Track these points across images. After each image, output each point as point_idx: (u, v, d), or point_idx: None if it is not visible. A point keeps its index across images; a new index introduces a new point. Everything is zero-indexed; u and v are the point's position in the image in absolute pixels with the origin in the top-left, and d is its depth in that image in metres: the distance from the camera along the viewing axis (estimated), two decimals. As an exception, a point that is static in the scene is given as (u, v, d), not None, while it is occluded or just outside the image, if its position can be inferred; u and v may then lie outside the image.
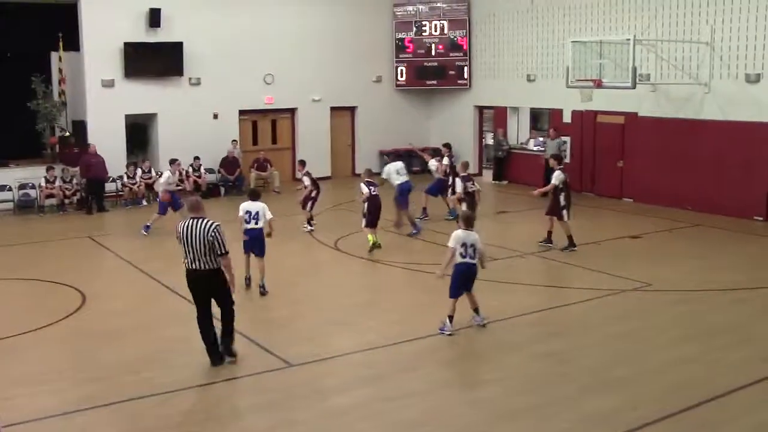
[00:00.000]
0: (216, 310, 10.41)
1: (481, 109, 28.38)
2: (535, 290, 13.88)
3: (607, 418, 8.63)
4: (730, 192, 20.23)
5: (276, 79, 26.31)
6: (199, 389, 9.56)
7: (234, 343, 10.53)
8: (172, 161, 20.01)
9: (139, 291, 14.12)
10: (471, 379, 9.86)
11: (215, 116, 25.24)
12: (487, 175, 27.45)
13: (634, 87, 19.45)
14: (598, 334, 11.60)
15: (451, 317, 11.51)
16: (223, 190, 24.51)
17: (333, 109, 27.89)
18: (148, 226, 18.81)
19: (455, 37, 28.12)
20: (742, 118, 19.98)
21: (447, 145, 21.29)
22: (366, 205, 16.76)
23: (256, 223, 13.70)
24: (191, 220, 10.08)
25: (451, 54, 28.22)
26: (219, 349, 10.33)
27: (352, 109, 28.60)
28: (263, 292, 13.59)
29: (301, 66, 26.66)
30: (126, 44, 23.32)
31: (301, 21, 26.62)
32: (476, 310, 11.83)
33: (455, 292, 11.56)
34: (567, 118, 24.48)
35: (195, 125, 24.52)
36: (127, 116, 23.90)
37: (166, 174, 19.35)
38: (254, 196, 14.18)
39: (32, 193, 22.19)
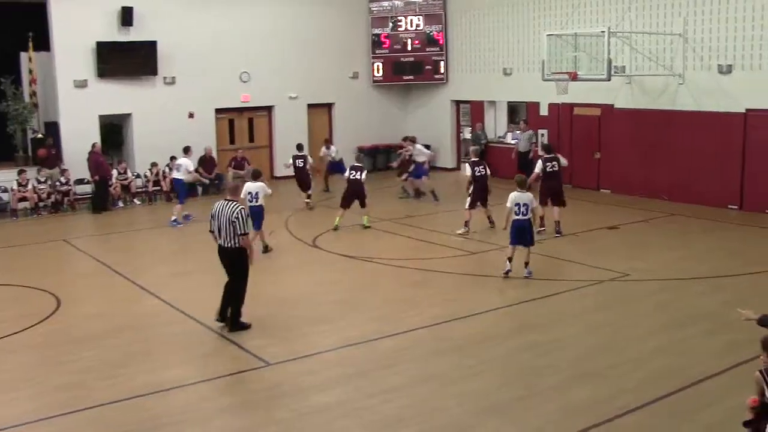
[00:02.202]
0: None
1: (458, 104, 28.39)
2: (514, 283, 13.88)
3: (589, 408, 8.65)
4: (705, 182, 20.38)
5: (252, 77, 26.20)
6: (176, 390, 9.46)
7: (240, 317, 11.50)
8: (187, 149, 20.79)
9: (114, 294, 13.97)
10: (452, 373, 9.84)
11: (191, 115, 25.09)
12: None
13: (609, 79, 19.51)
14: (577, 325, 11.63)
15: (510, 259, 13.96)
16: (200, 189, 24.36)
17: (310, 106, 27.82)
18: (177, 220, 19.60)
19: (431, 32, 28.11)
20: (715, 109, 20.11)
21: (410, 138, 22.73)
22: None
23: (257, 201, 15.81)
24: (224, 202, 11.41)
25: (427, 49, 28.22)
26: (225, 312, 11.54)
27: (329, 106, 28.54)
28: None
29: (277, 63, 26.58)
30: (98, 44, 23.10)
31: (276, 18, 26.53)
32: (526, 264, 13.97)
33: (513, 240, 13.90)
34: (544, 111, 24.55)
35: (171, 125, 24.32)
36: (101, 117, 23.67)
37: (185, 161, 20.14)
38: (256, 176, 16.33)
39: (4, 196, 21.92)
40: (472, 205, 17.85)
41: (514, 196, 13.80)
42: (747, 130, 19.60)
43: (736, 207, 19.89)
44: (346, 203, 18.43)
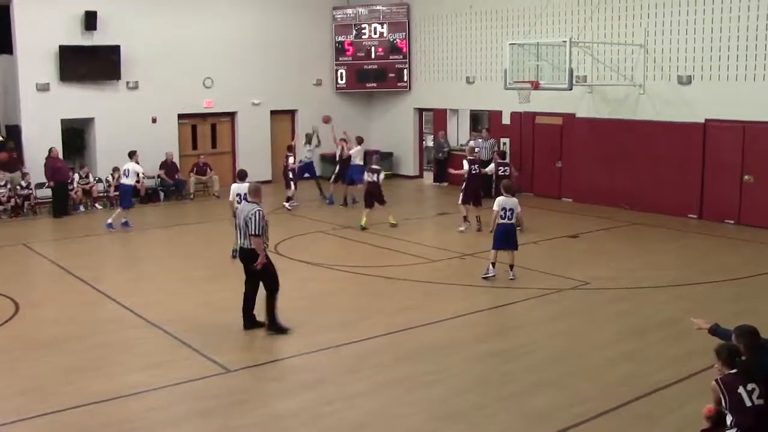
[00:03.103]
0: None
1: (421, 111, 28.49)
2: (475, 290, 13.94)
3: (550, 415, 8.71)
4: (666, 191, 20.61)
5: (215, 83, 26.09)
6: (135, 397, 9.38)
7: (277, 316, 11.54)
8: (132, 154, 20.26)
9: (74, 299, 13.80)
10: (414, 380, 9.84)
11: (154, 120, 24.92)
12: (428, 176, 27.56)
13: (570, 88, 19.68)
14: (538, 333, 11.70)
15: (493, 264, 14.30)
16: (162, 194, 24.19)
17: (273, 112, 27.76)
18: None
19: (395, 39, 28.19)
20: (675, 119, 20.37)
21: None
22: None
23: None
24: (244, 203, 11.84)
25: (390, 57, 28.28)
26: (251, 318, 11.65)
27: (292, 113, 28.48)
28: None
29: (240, 69, 26.50)
30: (61, 47, 22.86)
31: (240, 24, 26.47)
32: (511, 267, 14.38)
33: (497, 245, 14.27)
34: (506, 119, 24.70)
35: (133, 129, 24.12)
36: (64, 121, 23.45)
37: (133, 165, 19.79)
38: (242, 176, 16.23)
39: (-38, 201, 21.58)
40: (465, 201, 18.83)
41: (501, 200, 14.31)
42: (706, 140, 19.87)
43: (695, 216, 20.14)
44: (368, 203, 19.31)
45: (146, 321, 12.23)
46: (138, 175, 20.09)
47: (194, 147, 26.40)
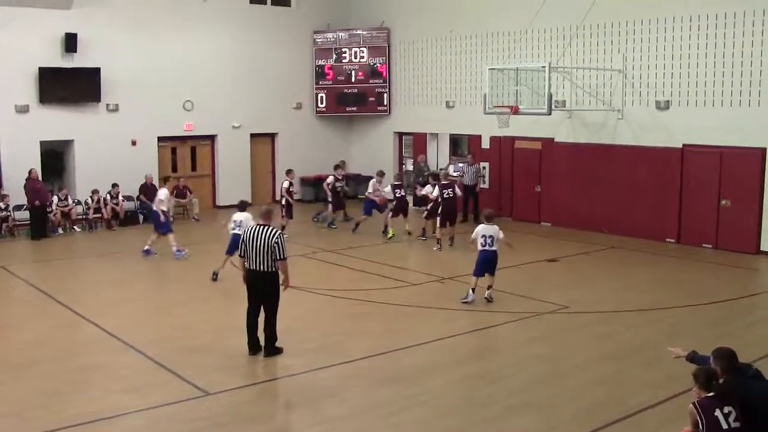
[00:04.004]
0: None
1: (401, 135, 28.59)
2: (455, 314, 13.97)
3: (527, 439, 8.73)
4: (644, 215, 20.78)
5: (196, 106, 26.12)
6: (114, 420, 9.31)
7: (276, 341, 11.57)
8: (167, 179, 20.38)
9: (52, 321, 13.71)
10: (395, 403, 9.83)
11: (133, 143, 24.89)
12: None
13: (550, 113, 19.83)
14: (518, 357, 11.73)
15: (473, 290, 14.45)
16: (142, 217, 24.10)
17: (253, 135, 27.79)
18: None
19: (375, 64, 28.33)
20: (653, 144, 20.56)
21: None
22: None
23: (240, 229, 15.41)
24: (258, 227, 11.43)
25: (371, 81, 28.42)
26: (257, 341, 11.58)
27: (272, 136, 28.53)
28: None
29: (221, 92, 26.55)
30: (41, 69, 22.84)
31: (221, 47, 26.54)
32: (489, 287, 14.62)
33: (478, 271, 14.49)
34: (486, 143, 24.82)
35: (113, 152, 24.15)
36: (43, 143, 23.38)
37: (164, 191, 19.29)
38: (242, 206, 16.56)
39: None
40: (442, 224, 19.63)
41: (481, 228, 14.60)
42: (684, 165, 20.06)
43: (673, 240, 20.29)
44: (395, 215, 21.17)
45: (125, 343, 12.17)
46: (163, 201, 19.65)
47: (174, 170, 26.36)
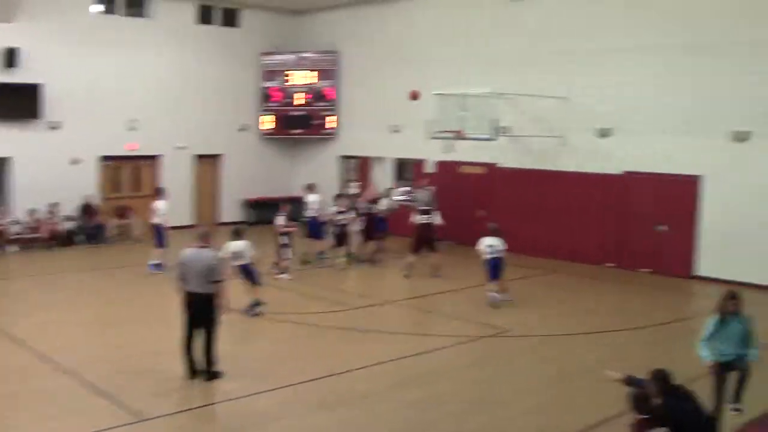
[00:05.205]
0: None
1: (346, 159, 28.58)
2: (396, 338, 13.94)
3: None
4: (585, 240, 21.05)
5: (140, 125, 25.81)
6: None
7: (216, 364, 11.41)
8: (161, 190, 20.23)
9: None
10: (333, 428, 9.76)
11: (74, 162, 24.49)
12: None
13: (494, 139, 19.98)
14: (458, 381, 11.73)
15: (496, 292, 16.16)
16: (81, 238, 23.69)
17: (198, 156, 27.57)
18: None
19: (322, 87, 28.34)
20: (595, 170, 20.85)
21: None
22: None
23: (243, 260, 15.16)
24: (196, 249, 11.34)
25: (317, 104, 28.41)
26: (196, 365, 11.38)
27: (217, 157, 28.33)
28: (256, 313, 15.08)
29: (166, 112, 26.31)
30: (-21, 84, 22.44)
31: (166, 67, 26.33)
32: (498, 292, 16.16)
33: (490, 277, 16.21)
34: (430, 168, 24.91)
35: (53, 170, 23.69)
36: (-21, 160, 22.94)
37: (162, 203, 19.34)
38: (237, 235, 15.30)
39: None
40: (416, 251, 19.10)
41: (486, 240, 16.31)
42: (624, 191, 20.38)
43: (613, 265, 20.57)
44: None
45: (59, 367, 11.90)
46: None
47: (116, 190, 26.01)
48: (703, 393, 8.29)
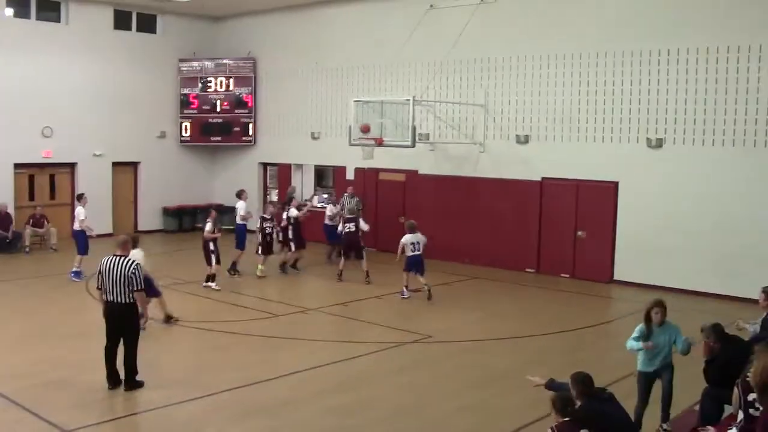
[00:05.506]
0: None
1: (265, 166, 28.47)
2: (318, 345, 13.96)
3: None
4: (505, 246, 21.33)
5: (55, 132, 25.31)
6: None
7: (137, 374, 11.24)
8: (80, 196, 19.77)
9: None
10: (257, 436, 9.73)
11: (-15, 169, 23.90)
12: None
13: (413, 146, 20.08)
14: (382, 387, 11.77)
15: (406, 286, 17.66)
16: (-4, 245, 23.11)
17: (115, 164, 27.14)
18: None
19: (240, 93, 28.18)
20: (513, 176, 21.18)
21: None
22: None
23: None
24: (114, 257, 11.08)
25: (236, 111, 28.24)
26: (117, 375, 11.24)
27: (135, 165, 27.93)
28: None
29: (82, 119, 25.84)
30: None
31: (82, 73, 25.87)
32: (426, 285, 17.37)
33: (407, 268, 17.55)
34: (350, 175, 24.98)
35: (-36, 179, 23.12)
36: None
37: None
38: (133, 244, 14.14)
39: None
40: (346, 256, 19.77)
41: (408, 237, 17.53)
42: (542, 198, 20.74)
43: (533, 270, 20.91)
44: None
45: (-25, 380, 11.60)
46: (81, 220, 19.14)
47: (31, 198, 25.44)
48: (624, 395, 8.48)
